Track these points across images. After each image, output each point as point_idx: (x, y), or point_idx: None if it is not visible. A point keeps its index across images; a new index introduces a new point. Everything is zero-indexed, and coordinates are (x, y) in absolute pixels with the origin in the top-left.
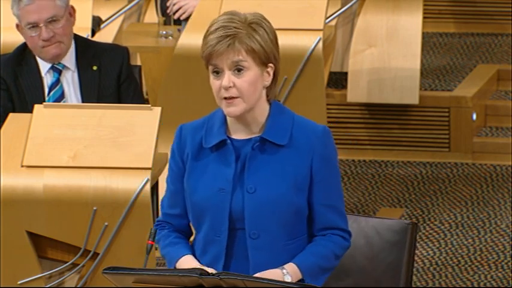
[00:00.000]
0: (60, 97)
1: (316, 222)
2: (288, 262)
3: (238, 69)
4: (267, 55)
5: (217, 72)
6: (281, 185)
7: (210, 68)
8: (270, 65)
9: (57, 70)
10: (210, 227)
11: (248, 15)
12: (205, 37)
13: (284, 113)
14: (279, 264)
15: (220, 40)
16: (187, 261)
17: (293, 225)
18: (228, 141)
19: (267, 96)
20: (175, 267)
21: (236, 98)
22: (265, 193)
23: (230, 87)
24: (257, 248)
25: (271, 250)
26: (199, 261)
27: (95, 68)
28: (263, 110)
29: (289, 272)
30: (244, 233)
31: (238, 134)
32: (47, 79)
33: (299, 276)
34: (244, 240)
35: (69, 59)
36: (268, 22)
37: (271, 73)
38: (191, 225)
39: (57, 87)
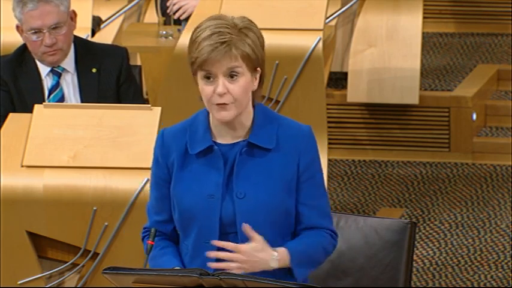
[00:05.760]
0: (60, 100)
1: (299, 222)
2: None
3: (231, 75)
4: (258, 60)
5: (209, 78)
6: (270, 189)
7: (201, 73)
8: (258, 69)
9: (57, 73)
10: (200, 233)
11: (235, 19)
12: (195, 43)
13: (269, 116)
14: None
15: (216, 47)
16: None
17: (283, 225)
18: (215, 146)
19: (253, 99)
20: None
21: (229, 103)
22: (255, 198)
23: (224, 93)
24: None
25: None
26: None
27: (94, 70)
28: (249, 114)
29: (278, 258)
30: (236, 236)
31: (223, 138)
32: (47, 82)
33: (287, 262)
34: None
35: (69, 62)
36: (256, 26)
37: (258, 77)
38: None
39: (57, 90)
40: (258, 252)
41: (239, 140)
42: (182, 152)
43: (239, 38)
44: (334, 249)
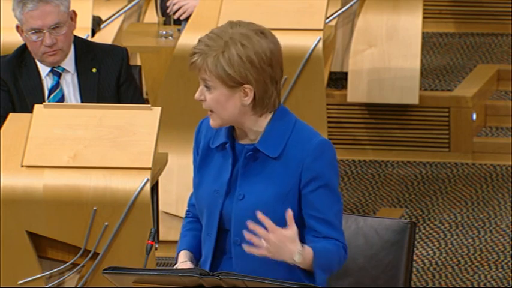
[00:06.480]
0: (60, 100)
1: (307, 232)
2: (273, 269)
3: (206, 85)
4: (234, 78)
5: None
6: (267, 195)
7: None
8: (247, 86)
9: (57, 73)
10: (206, 224)
11: (240, 27)
12: None
13: (285, 122)
14: (262, 271)
15: (191, 54)
16: (180, 257)
17: None
18: (228, 145)
19: (259, 110)
20: (176, 259)
21: (210, 111)
22: (251, 201)
23: (202, 100)
24: (240, 255)
25: (254, 257)
26: (195, 255)
27: (94, 70)
28: (257, 122)
29: (303, 253)
30: (230, 234)
31: (241, 138)
32: (47, 82)
33: (308, 262)
34: (231, 242)
35: (69, 62)
36: (251, 42)
37: (251, 93)
38: None
39: (57, 90)
40: (288, 241)
41: (252, 142)
42: (207, 144)
43: (216, 52)
44: (344, 262)
